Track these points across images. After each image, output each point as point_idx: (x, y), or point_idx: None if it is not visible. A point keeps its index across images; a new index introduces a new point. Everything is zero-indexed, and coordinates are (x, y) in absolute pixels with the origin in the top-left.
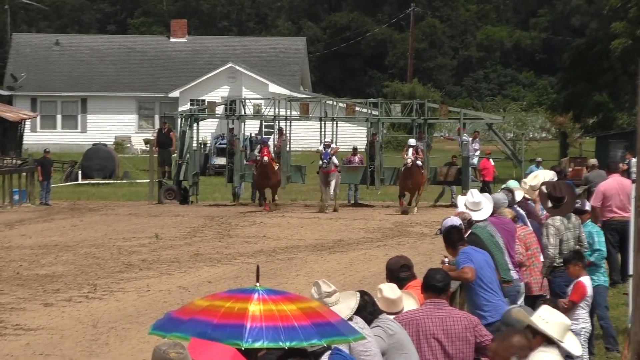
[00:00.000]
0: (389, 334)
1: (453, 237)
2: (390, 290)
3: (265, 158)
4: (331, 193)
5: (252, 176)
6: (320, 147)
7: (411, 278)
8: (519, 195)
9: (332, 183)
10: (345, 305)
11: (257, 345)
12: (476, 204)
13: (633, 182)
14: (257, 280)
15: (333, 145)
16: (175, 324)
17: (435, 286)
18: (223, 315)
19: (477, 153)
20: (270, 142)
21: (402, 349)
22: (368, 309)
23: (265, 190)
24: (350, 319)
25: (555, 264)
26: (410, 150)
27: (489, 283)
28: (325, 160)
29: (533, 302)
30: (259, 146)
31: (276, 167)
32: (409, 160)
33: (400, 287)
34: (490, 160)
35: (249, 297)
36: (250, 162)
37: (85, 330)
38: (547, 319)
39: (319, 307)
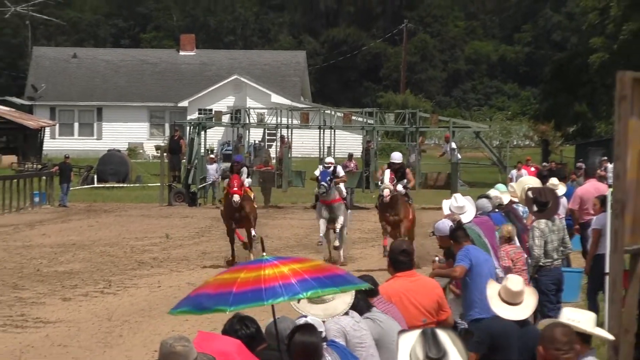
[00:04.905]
0: (379, 325)
1: (459, 235)
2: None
3: (236, 197)
4: (336, 237)
5: (220, 212)
6: (317, 171)
7: (409, 264)
8: (506, 199)
9: (340, 220)
10: (341, 301)
11: (279, 300)
12: (460, 208)
13: (609, 186)
14: (263, 251)
15: (340, 171)
16: (200, 300)
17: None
18: (240, 284)
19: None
20: (273, 150)
21: (393, 337)
22: (361, 306)
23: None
24: (347, 313)
25: (541, 264)
26: (387, 173)
27: (484, 281)
28: (324, 184)
29: None
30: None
31: (252, 195)
32: (386, 192)
33: (395, 271)
34: (531, 168)
35: (260, 266)
36: (257, 168)
37: (100, 323)
38: (577, 318)
39: (325, 264)
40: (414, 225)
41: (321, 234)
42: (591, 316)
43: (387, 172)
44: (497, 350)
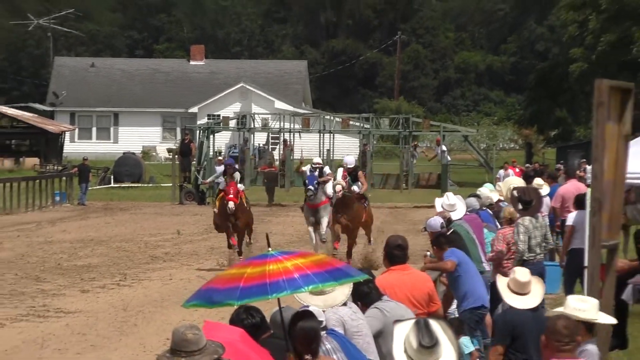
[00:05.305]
0: (385, 315)
1: (441, 241)
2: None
3: (231, 204)
4: (322, 233)
5: (213, 217)
6: (305, 168)
7: (404, 258)
8: (495, 197)
9: (324, 221)
10: (340, 292)
11: (283, 294)
12: (451, 206)
13: (588, 186)
14: (269, 246)
15: (327, 170)
16: (210, 294)
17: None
18: (247, 279)
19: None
20: (276, 152)
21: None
22: (372, 295)
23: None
24: (345, 304)
25: (525, 258)
26: (340, 171)
27: (473, 275)
28: (311, 188)
29: None
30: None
31: (246, 202)
32: (338, 187)
33: (391, 264)
34: (516, 169)
35: (264, 261)
36: (262, 169)
37: (116, 313)
38: (582, 307)
39: (326, 258)
40: (367, 225)
41: (312, 242)
42: (594, 303)
43: (340, 170)
44: (517, 338)
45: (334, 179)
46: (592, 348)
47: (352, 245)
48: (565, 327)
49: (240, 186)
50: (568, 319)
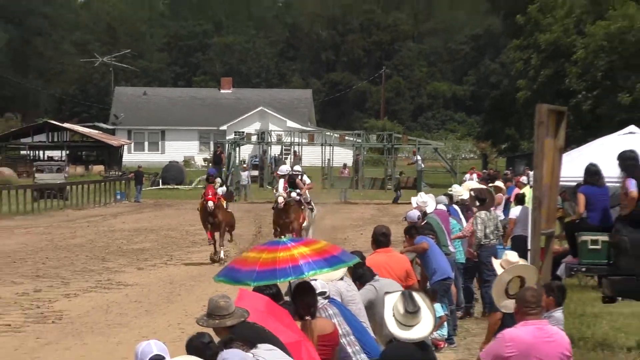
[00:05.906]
0: (377, 290)
1: (412, 232)
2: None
3: (210, 203)
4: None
5: (200, 217)
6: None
7: (387, 243)
8: (465, 195)
9: (309, 231)
10: (338, 270)
11: (288, 279)
12: (424, 202)
13: (531, 186)
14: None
15: (306, 179)
16: (233, 274)
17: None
18: (262, 264)
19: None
20: (288, 161)
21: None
22: (366, 275)
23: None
24: (342, 278)
25: (482, 243)
26: (281, 182)
27: (438, 254)
28: (280, 185)
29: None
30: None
31: (224, 204)
32: (280, 199)
33: (377, 247)
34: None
35: (276, 248)
36: (276, 174)
37: (164, 286)
38: (499, 270)
39: (326, 245)
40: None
41: None
42: (512, 255)
43: (281, 182)
44: None
45: (276, 190)
46: (558, 315)
47: None
48: (532, 295)
49: (222, 189)
50: (535, 289)
